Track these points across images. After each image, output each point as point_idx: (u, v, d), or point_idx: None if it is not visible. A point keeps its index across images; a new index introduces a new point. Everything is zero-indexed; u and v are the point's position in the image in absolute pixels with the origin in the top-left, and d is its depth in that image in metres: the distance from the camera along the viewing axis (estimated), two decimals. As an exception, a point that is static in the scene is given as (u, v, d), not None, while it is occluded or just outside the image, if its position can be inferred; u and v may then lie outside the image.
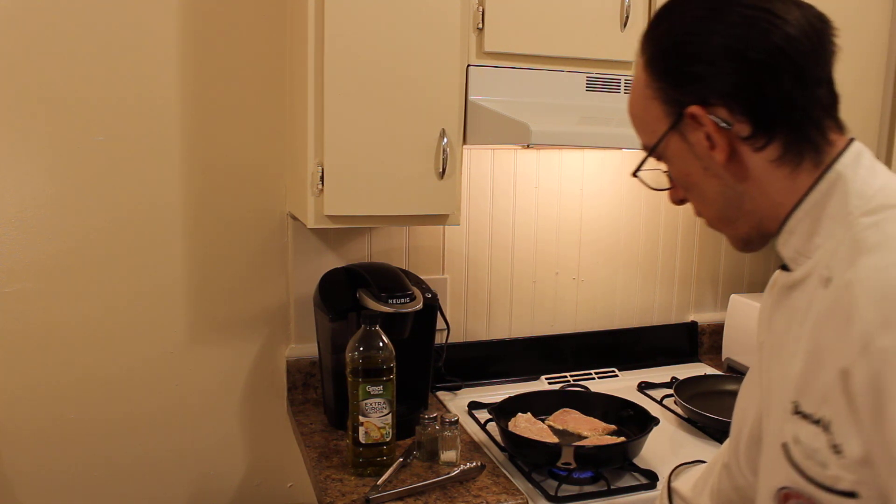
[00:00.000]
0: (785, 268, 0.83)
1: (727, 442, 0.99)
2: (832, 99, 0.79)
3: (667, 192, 0.90)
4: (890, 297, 0.66)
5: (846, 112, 0.81)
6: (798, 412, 0.73)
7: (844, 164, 0.77)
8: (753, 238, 0.85)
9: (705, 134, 0.79)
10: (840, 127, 0.80)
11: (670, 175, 0.88)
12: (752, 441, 0.91)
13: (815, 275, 0.76)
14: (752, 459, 0.91)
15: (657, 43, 0.83)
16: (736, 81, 0.77)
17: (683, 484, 1.08)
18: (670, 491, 1.09)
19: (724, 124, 0.78)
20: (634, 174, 0.88)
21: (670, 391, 1.85)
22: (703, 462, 1.10)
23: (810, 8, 0.79)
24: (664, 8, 0.85)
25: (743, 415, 0.93)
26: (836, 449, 0.69)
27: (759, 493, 0.83)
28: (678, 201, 0.90)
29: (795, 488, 0.74)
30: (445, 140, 1.50)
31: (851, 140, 0.80)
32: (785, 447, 0.75)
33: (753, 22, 0.76)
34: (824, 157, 0.78)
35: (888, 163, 1.99)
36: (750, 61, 0.76)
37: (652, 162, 0.88)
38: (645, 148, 0.87)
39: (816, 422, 0.71)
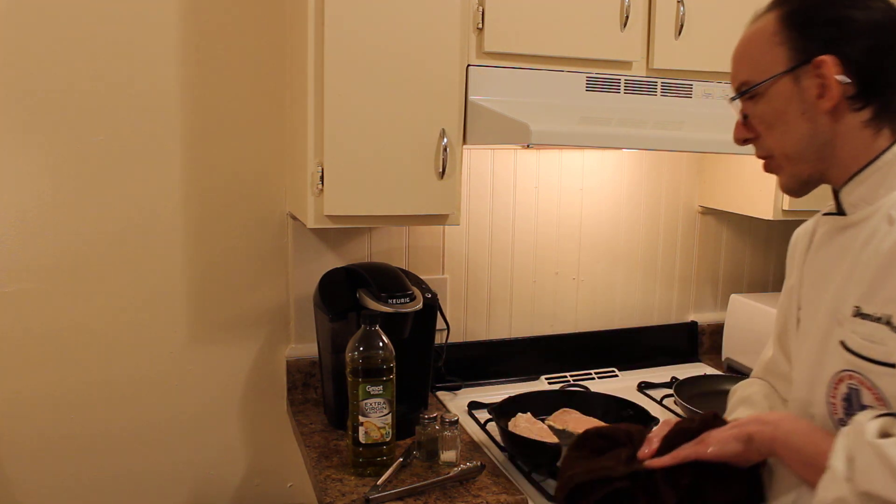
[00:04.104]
0: (831, 214, 1.02)
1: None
2: None
3: (734, 133, 1.04)
4: None
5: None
6: (859, 314, 0.90)
7: None
8: (812, 182, 1.00)
9: (819, 83, 0.93)
10: None
11: (746, 114, 1.01)
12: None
13: (875, 217, 0.93)
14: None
15: (800, 2, 0.97)
16: (861, 50, 0.92)
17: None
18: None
19: (841, 80, 0.92)
20: (733, 100, 1.02)
21: (670, 391, 1.85)
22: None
23: None
24: None
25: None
26: None
27: (809, 381, 0.99)
28: (743, 140, 1.03)
29: (851, 370, 0.91)
30: (445, 140, 1.50)
31: None
32: (843, 343, 0.92)
33: (890, 7, 0.93)
34: None
35: None
36: (879, 37, 0.92)
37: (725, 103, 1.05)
38: (745, 83, 1.00)
39: (878, 319, 0.88)
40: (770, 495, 1.05)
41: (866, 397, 0.90)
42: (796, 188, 1.02)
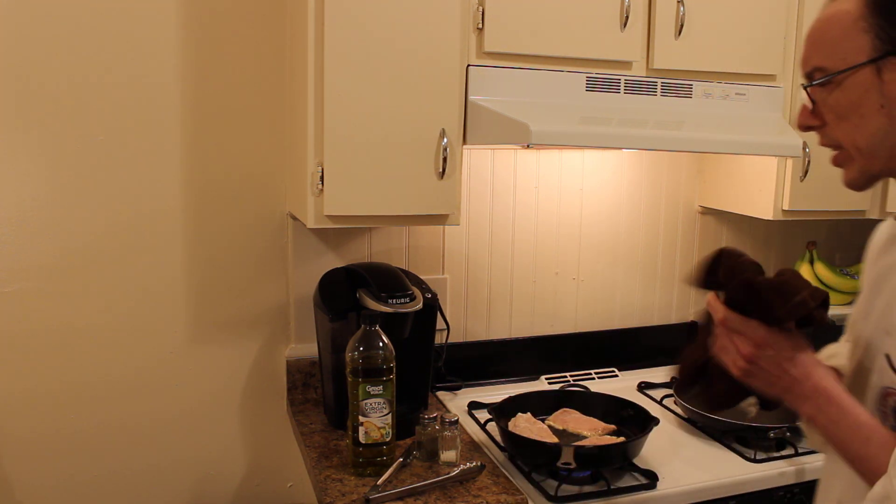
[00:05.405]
0: None
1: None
2: None
3: (798, 117, 0.98)
4: None
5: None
6: None
7: None
8: (881, 175, 0.95)
9: None
10: None
11: (814, 101, 0.95)
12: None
13: None
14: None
15: None
16: None
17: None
18: None
19: None
20: (805, 87, 0.95)
21: (670, 391, 1.85)
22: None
23: None
24: None
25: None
26: None
27: (859, 385, 0.97)
28: (806, 127, 0.97)
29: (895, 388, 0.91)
30: (445, 140, 1.50)
31: None
32: (888, 356, 0.92)
33: None
34: None
35: None
36: None
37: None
38: (820, 70, 0.93)
39: None
40: (822, 477, 1.07)
41: None
42: (862, 183, 0.97)
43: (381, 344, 1.42)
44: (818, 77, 0.93)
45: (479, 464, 1.44)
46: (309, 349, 1.83)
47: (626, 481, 1.44)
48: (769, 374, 0.95)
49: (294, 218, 1.78)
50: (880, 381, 0.93)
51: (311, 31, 1.44)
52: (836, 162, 0.98)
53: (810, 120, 0.97)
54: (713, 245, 2.22)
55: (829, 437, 0.92)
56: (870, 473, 0.87)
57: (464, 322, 1.98)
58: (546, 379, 2.00)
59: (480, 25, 1.52)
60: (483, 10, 1.52)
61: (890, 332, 0.92)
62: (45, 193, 1.66)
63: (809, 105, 0.96)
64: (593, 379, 2.02)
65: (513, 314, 2.03)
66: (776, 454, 1.59)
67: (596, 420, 1.65)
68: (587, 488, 1.41)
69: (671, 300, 2.20)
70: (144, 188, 1.72)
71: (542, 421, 1.64)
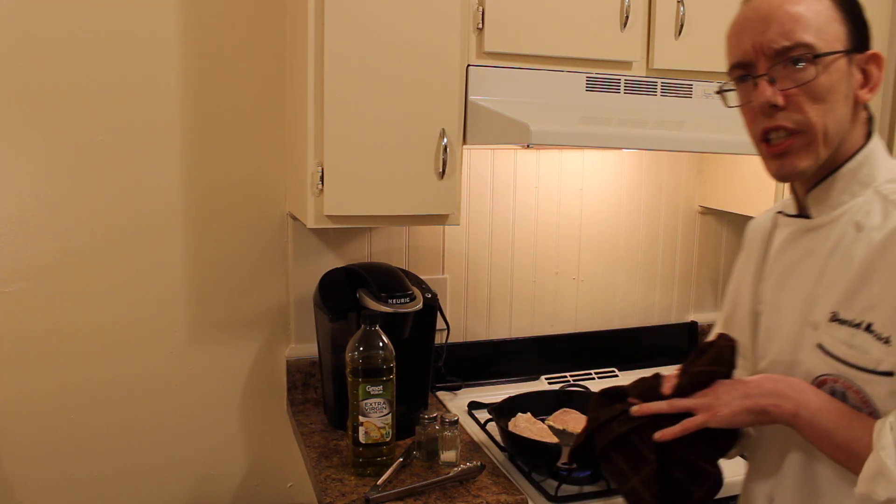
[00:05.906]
0: (789, 215, 1.05)
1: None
2: None
3: (763, 94, 0.96)
4: None
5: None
6: (837, 319, 0.93)
7: (876, 143, 0.99)
8: (819, 163, 0.96)
9: (862, 71, 0.97)
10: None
11: (773, 79, 0.95)
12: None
13: (841, 222, 0.97)
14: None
15: None
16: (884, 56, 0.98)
17: None
18: None
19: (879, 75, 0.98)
20: (818, 56, 0.94)
21: (670, 391, 1.85)
22: None
23: None
24: None
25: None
26: (886, 341, 0.88)
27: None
28: (771, 105, 0.95)
29: (834, 374, 0.94)
30: (445, 140, 1.50)
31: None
32: (822, 347, 0.95)
33: None
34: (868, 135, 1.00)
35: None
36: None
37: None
38: (809, 47, 0.94)
39: (857, 325, 0.91)
40: (747, 477, 1.13)
41: (851, 399, 0.93)
42: (806, 171, 0.96)
43: (381, 344, 1.42)
44: (803, 53, 0.93)
45: (479, 464, 1.44)
46: (309, 349, 1.83)
47: (626, 481, 1.44)
48: (744, 389, 0.98)
49: (294, 218, 1.78)
50: (813, 370, 0.97)
51: (311, 31, 1.44)
52: (787, 147, 0.95)
53: (777, 97, 0.94)
54: (713, 245, 2.22)
55: (814, 431, 0.93)
56: (854, 457, 0.89)
57: (464, 322, 1.98)
58: (546, 379, 2.00)
59: (480, 25, 1.53)
60: (483, 10, 1.52)
61: (816, 325, 0.96)
62: (45, 193, 1.66)
63: (765, 81, 0.95)
64: (593, 379, 2.03)
65: (513, 314, 2.03)
66: (776, 454, 1.59)
67: (596, 420, 1.65)
68: (587, 488, 1.40)
69: (671, 300, 2.20)
70: (144, 188, 1.72)
71: (542, 421, 1.64)
